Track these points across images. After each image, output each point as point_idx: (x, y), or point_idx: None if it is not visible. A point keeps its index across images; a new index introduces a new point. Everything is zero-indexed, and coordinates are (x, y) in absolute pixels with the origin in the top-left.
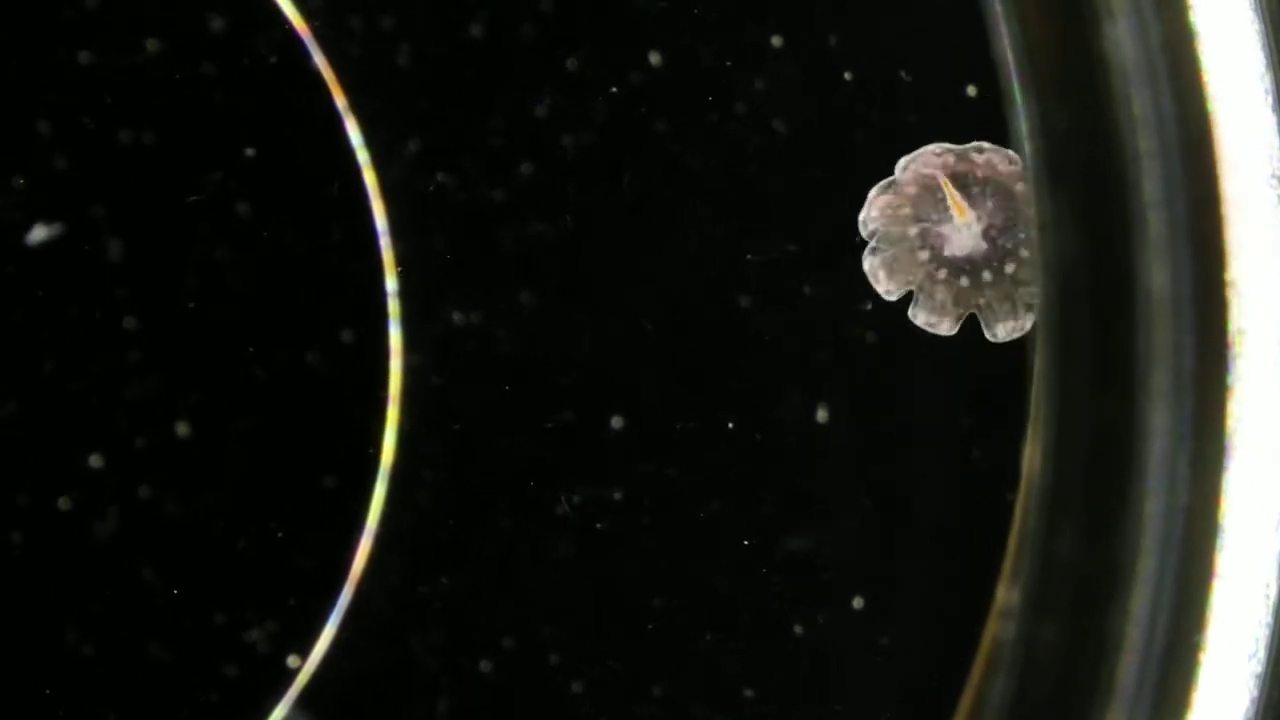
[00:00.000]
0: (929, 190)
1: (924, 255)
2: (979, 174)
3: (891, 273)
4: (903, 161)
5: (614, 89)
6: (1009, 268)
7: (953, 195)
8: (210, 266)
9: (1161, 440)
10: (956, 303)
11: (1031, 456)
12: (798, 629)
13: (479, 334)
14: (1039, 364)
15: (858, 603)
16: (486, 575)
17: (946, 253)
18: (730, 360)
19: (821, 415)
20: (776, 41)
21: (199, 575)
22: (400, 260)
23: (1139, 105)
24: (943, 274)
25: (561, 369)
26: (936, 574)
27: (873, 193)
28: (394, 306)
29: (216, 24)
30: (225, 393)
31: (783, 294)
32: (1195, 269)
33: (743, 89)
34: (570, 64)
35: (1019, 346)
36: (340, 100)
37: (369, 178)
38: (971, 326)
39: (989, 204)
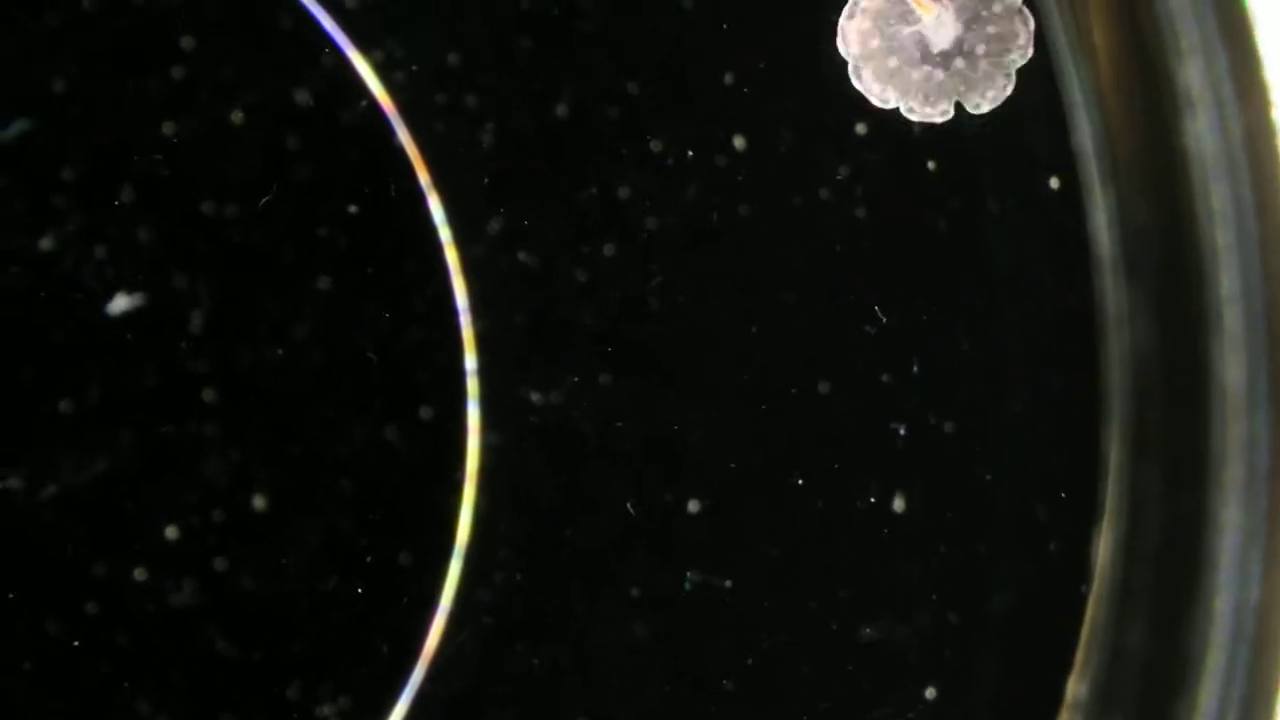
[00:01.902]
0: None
1: (909, 59)
2: None
3: (884, 84)
4: None
5: (697, 171)
6: (982, 46)
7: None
8: (290, 340)
9: (1233, 536)
10: (943, 91)
11: (1104, 549)
12: (871, 717)
13: (557, 413)
14: (1113, 457)
15: (930, 693)
16: (560, 656)
17: (933, 49)
18: (808, 445)
19: (898, 504)
20: (861, 129)
21: (273, 649)
22: (480, 338)
23: (1218, 199)
24: (930, 69)
25: (639, 450)
26: (1008, 665)
27: (842, 20)
28: (473, 384)
29: (302, 97)
30: (302, 467)
31: (862, 380)
32: (1270, 365)
33: (826, 174)
34: (654, 145)
35: (1094, 440)
36: (424, 177)
37: (451, 254)
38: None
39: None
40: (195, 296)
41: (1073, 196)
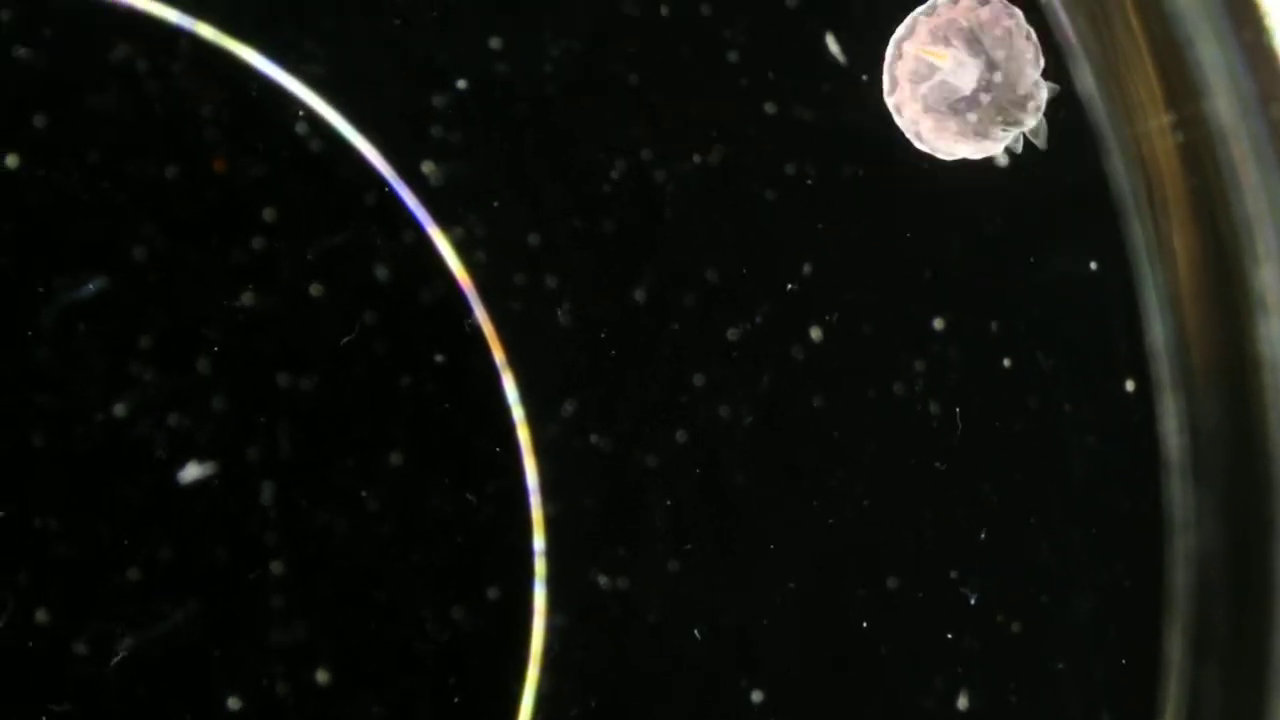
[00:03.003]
0: (921, 62)
1: (947, 107)
2: (942, 33)
3: (937, 137)
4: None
5: (773, 361)
6: (999, 74)
7: (927, 51)
8: (361, 514)
9: None
10: (988, 127)
11: None
12: None
13: (624, 599)
14: (1174, 656)
15: None
16: None
17: (962, 93)
18: (874, 640)
19: (963, 702)
20: (938, 324)
21: None
22: (549, 519)
23: None
24: (966, 113)
25: (705, 638)
26: None
27: (886, 97)
28: (540, 566)
29: (381, 273)
30: (368, 643)
31: (930, 577)
32: None
33: (902, 369)
34: (731, 334)
35: (1157, 640)
36: (499, 355)
37: (523, 434)
38: (1105, 606)
39: (960, 40)
40: (267, 468)
41: (1145, 398)
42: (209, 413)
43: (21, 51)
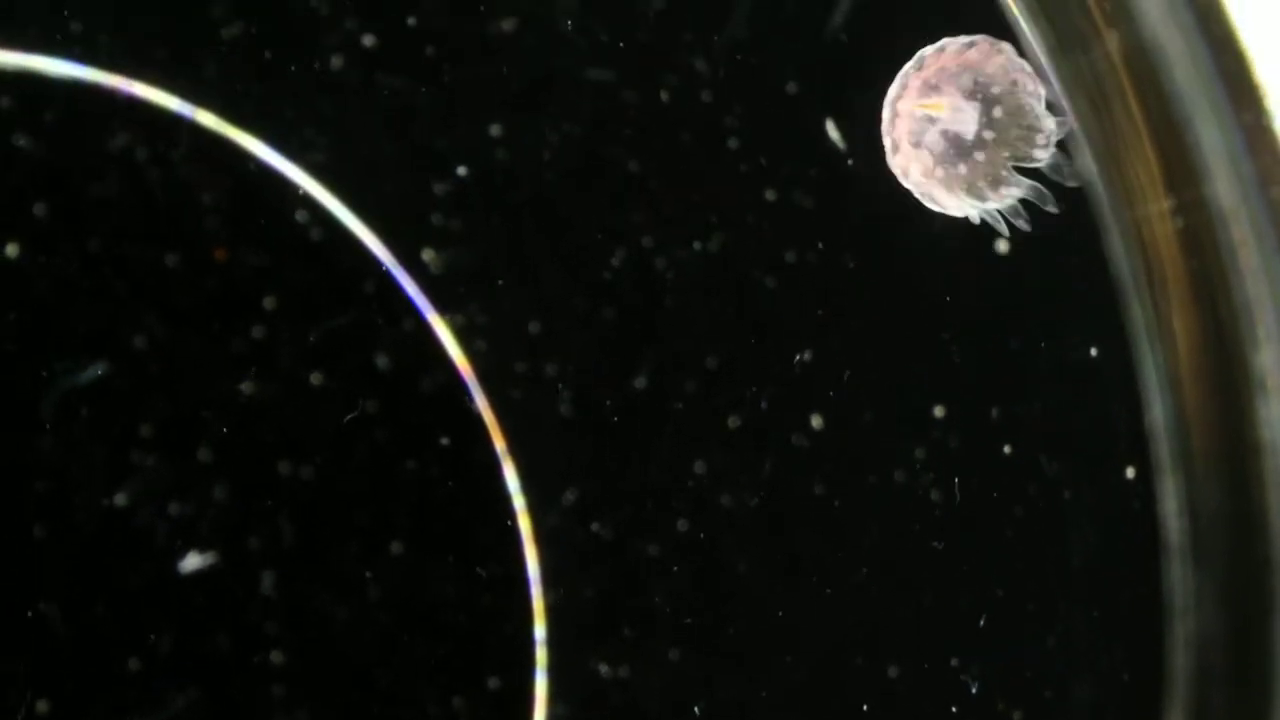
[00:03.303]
0: (917, 119)
1: (954, 155)
2: (934, 83)
3: (949, 192)
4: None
5: (774, 449)
6: (999, 109)
7: (921, 105)
8: (362, 604)
9: None
10: (997, 168)
11: None
12: None
13: (626, 687)
14: None
15: None
16: None
17: (965, 138)
18: None
19: None
20: (939, 411)
21: None
22: (550, 608)
23: None
24: (975, 153)
25: None
26: None
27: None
28: (541, 655)
29: (381, 360)
30: None
31: (931, 665)
32: None
33: (903, 456)
34: (731, 421)
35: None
36: (499, 443)
37: (524, 522)
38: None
39: (953, 85)
40: (268, 556)
41: (1145, 482)
42: (210, 501)
43: (22, 140)
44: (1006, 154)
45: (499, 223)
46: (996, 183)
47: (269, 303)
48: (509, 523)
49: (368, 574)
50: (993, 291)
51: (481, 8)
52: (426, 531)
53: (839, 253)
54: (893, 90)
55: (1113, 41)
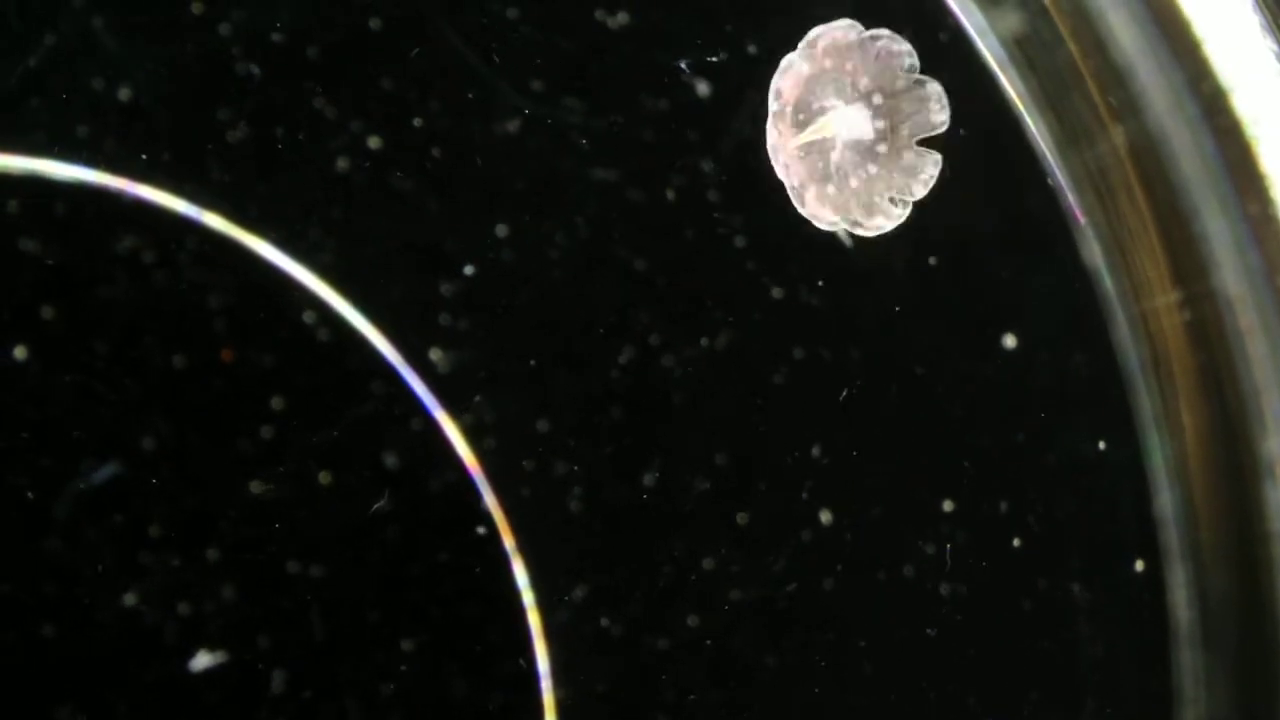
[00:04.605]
0: (812, 151)
1: (868, 158)
2: (806, 104)
3: (823, 207)
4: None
5: (782, 544)
6: (878, 99)
7: (808, 137)
8: (372, 702)
9: None
10: (912, 165)
11: None
12: None
13: None
14: None
15: None
16: None
17: (850, 147)
18: None
19: None
20: (947, 506)
21: None
22: (561, 704)
23: None
24: (857, 169)
25: None
26: None
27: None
28: None
29: (390, 460)
30: None
31: None
32: None
33: (912, 551)
34: (740, 518)
35: None
36: (509, 541)
37: (534, 619)
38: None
39: (824, 95)
40: (278, 656)
41: (1154, 572)
42: (219, 601)
43: (29, 242)
44: (908, 132)
45: (506, 322)
46: (911, 133)
47: (277, 403)
48: (519, 620)
49: (379, 672)
50: (1000, 385)
51: (486, 109)
52: (437, 630)
53: (846, 349)
54: (770, 138)
55: (1119, 135)
